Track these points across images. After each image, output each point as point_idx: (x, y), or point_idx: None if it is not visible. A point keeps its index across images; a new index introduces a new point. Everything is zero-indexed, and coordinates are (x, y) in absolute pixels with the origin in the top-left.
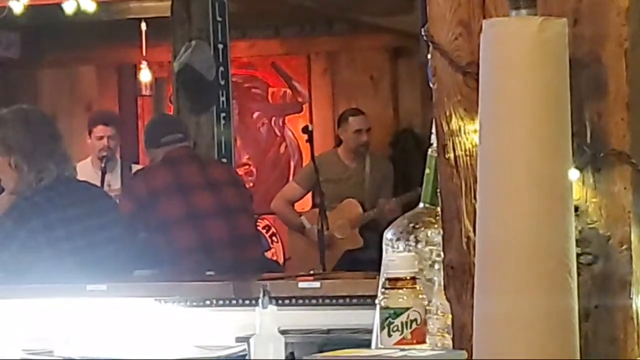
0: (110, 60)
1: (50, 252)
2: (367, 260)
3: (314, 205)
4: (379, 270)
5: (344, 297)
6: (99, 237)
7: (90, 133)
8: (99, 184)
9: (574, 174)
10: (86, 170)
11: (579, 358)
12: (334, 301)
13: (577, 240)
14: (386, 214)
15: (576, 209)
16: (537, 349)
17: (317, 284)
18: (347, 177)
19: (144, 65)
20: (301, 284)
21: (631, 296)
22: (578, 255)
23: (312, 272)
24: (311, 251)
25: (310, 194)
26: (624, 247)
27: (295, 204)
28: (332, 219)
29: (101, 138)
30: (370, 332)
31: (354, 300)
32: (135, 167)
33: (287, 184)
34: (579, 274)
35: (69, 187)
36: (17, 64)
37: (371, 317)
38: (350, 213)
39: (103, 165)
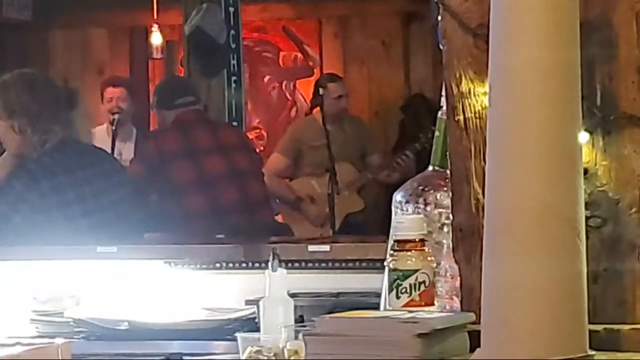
0: (122, 23)
1: (60, 213)
2: (369, 222)
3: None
4: (380, 231)
5: (353, 260)
6: (107, 199)
7: (102, 98)
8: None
9: (583, 137)
10: (101, 136)
11: (587, 321)
12: (344, 265)
13: (586, 203)
14: (378, 173)
15: (585, 171)
16: (545, 311)
17: (326, 248)
18: (329, 142)
19: (155, 28)
20: (311, 247)
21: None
22: (587, 218)
23: (321, 235)
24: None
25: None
26: (633, 210)
27: None
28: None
29: (110, 100)
30: (379, 295)
31: (364, 264)
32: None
33: (271, 156)
34: (587, 237)
35: (76, 149)
36: (30, 27)
37: (380, 281)
38: (346, 176)
39: (114, 127)
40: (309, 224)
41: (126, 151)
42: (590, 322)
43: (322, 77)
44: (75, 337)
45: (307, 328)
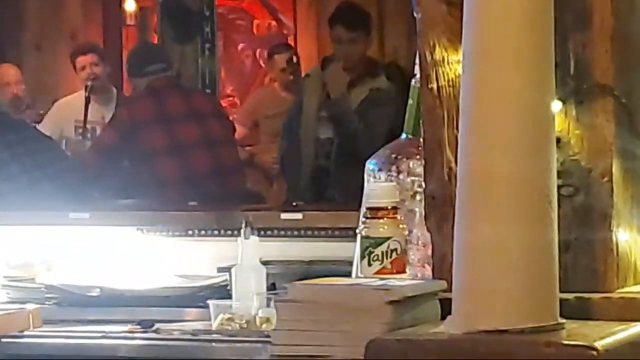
0: None
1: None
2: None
3: None
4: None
5: (325, 229)
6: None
7: (75, 68)
8: (97, 115)
9: (556, 106)
10: (78, 103)
11: (558, 289)
12: (316, 233)
13: (558, 172)
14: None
15: (558, 140)
16: (516, 279)
17: (299, 216)
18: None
19: None
20: (283, 215)
21: (611, 228)
22: (559, 187)
23: (294, 203)
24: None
25: None
26: (605, 179)
27: None
28: None
29: (83, 68)
30: (351, 263)
31: (336, 232)
32: None
33: None
34: (559, 206)
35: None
36: None
37: (352, 250)
38: None
39: (87, 94)
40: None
41: (108, 113)
42: (561, 291)
43: (272, 47)
44: (46, 302)
45: (279, 295)
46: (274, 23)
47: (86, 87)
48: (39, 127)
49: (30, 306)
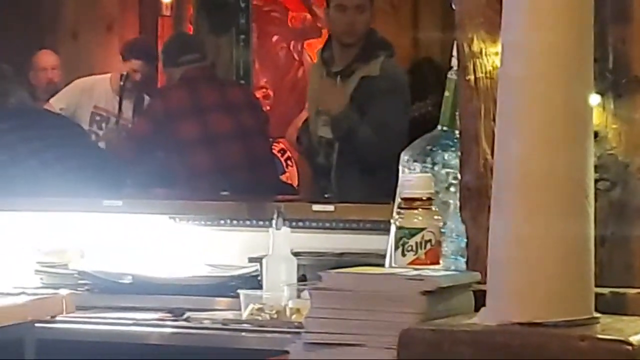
0: None
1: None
2: None
3: None
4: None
5: (357, 221)
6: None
7: (124, 60)
8: (113, 105)
9: (594, 100)
10: (103, 87)
11: (593, 283)
12: (347, 225)
13: (595, 166)
14: None
15: (596, 134)
16: (552, 272)
17: (330, 207)
18: None
19: None
20: (315, 207)
21: None
22: (596, 181)
23: (326, 195)
24: None
25: None
26: None
27: None
28: None
29: (135, 71)
30: (382, 256)
31: (367, 225)
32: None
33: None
34: (596, 200)
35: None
36: None
37: (384, 243)
38: None
39: (122, 82)
40: None
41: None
42: (596, 286)
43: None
44: (78, 289)
45: (311, 284)
46: (309, 16)
47: (121, 76)
48: (52, 100)
49: (63, 292)
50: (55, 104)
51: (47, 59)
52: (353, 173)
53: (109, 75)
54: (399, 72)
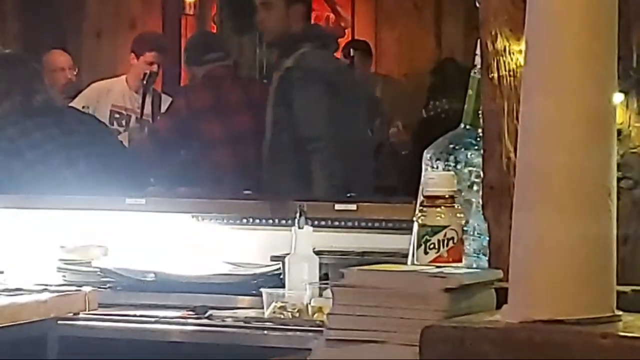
0: None
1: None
2: None
3: None
4: None
5: (379, 220)
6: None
7: (137, 56)
8: (135, 104)
9: (618, 98)
10: (119, 87)
11: (615, 281)
12: (370, 224)
13: (618, 165)
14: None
15: (619, 133)
16: (574, 270)
17: (353, 207)
18: None
19: None
20: (337, 206)
21: None
22: (619, 179)
23: (349, 195)
24: None
25: None
26: None
27: None
28: None
29: (152, 64)
30: (405, 256)
31: (390, 224)
32: (166, 98)
33: None
34: (618, 199)
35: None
36: None
37: (406, 242)
38: None
39: (145, 81)
40: None
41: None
42: (618, 284)
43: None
44: (101, 286)
45: (334, 282)
46: (332, 15)
47: (144, 74)
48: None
49: (86, 289)
50: (76, 103)
51: (60, 59)
52: None
53: (123, 77)
54: None
